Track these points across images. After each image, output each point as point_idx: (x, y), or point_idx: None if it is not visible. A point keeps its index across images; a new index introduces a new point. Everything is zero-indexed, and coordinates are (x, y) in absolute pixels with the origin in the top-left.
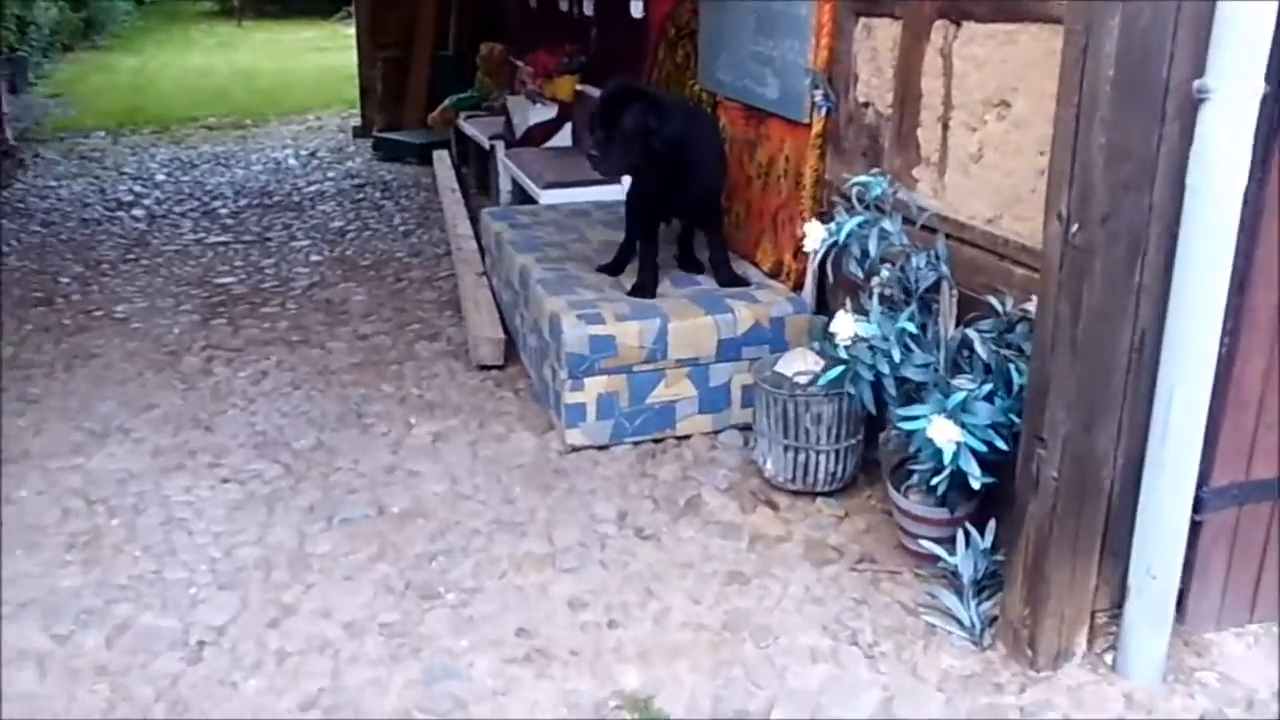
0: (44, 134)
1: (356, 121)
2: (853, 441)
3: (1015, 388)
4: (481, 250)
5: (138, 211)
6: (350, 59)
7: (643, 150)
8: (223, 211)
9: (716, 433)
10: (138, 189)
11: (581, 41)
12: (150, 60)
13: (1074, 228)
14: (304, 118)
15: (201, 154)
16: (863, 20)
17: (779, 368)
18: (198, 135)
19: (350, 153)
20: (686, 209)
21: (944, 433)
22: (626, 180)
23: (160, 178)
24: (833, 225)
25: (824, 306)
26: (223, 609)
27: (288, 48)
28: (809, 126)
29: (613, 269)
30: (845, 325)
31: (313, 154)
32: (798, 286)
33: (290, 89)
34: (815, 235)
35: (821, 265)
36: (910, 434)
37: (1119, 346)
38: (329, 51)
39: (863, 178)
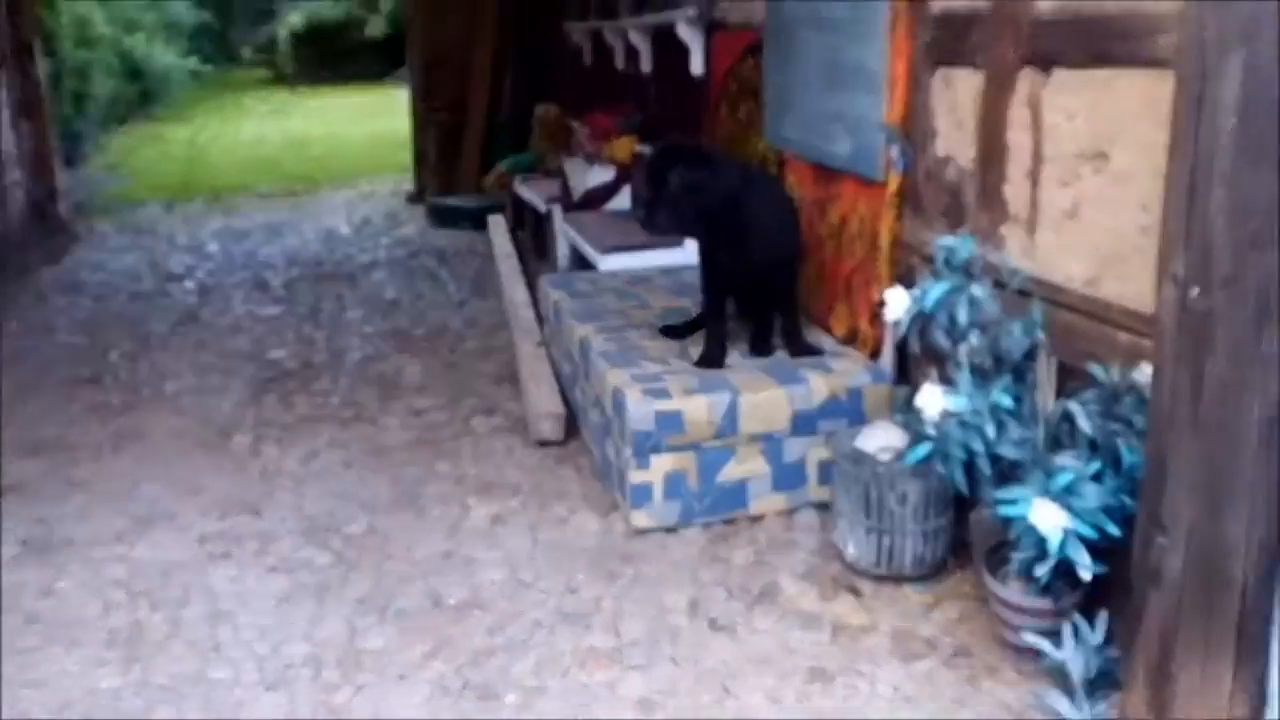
0: (98, 208)
1: (410, 187)
2: (942, 522)
3: (1125, 466)
4: (539, 319)
5: (189, 284)
6: (403, 123)
7: (693, 209)
8: (274, 282)
9: (792, 512)
10: (189, 260)
11: (639, 101)
12: (203, 130)
13: (1192, 291)
14: (356, 185)
15: (254, 224)
16: (941, 71)
17: (859, 443)
18: (250, 204)
19: (403, 219)
20: (754, 276)
21: (1049, 518)
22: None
23: (212, 248)
24: (917, 292)
25: (904, 375)
26: (269, 712)
27: (340, 113)
28: (884, 185)
29: (678, 332)
30: (933, 400)
31: (365, 221)
32: (875, 354)
33: (343, 155)
34: (898, 304)
35: (905, 331)
36: (1009, 519)
37: (1247, 422)
38: (381, 116)
39: (949, 240)
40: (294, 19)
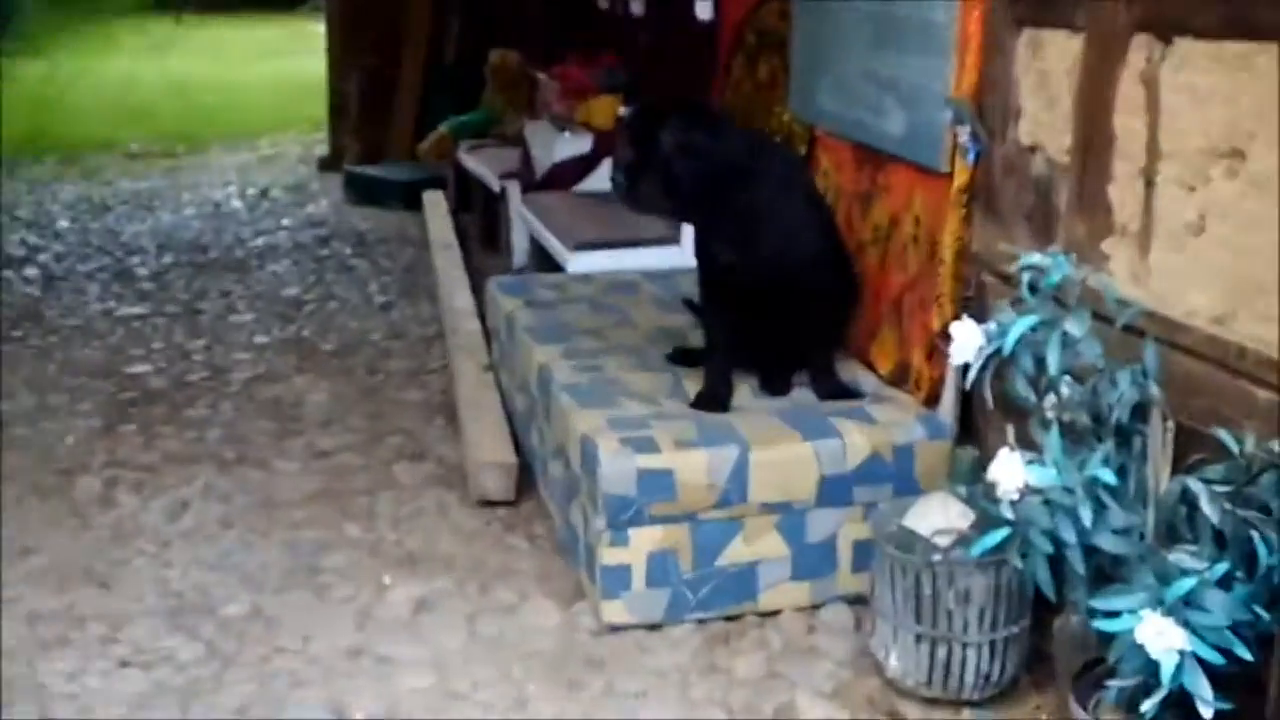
0: None
1: (323, 150)
2: (1014, 630)
3: (1261, 568)
4: (487, 334)
5: (30, 271)
6: (318, 67)
7: (689, 181)
8: (141, 272)
9: (816, 608)
10: (32, 240)
11: (626, 51)
12: (58, 68)
13: None
14: (254, 144)
15: (118, 193)
16: (1028, 32)
17: (909, 522)
18: (115, 167)
19: (314, 193)
20: (768, 285)
21: (1162, 637)
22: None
23: (63, 224)
24: (992, 326)
25: (969, 429)
26: None
27: (237, 51)
28: (949, 177)
29: (689, 358)
30: (1011, 471)
31: (264, 194)
32: (932, 399)
33: (238, 106)
34: (968, 342)
35: (976, 378)
36: (1107, 634)
37: None
38: (290, 57)
39: (1035, 257)
40: None
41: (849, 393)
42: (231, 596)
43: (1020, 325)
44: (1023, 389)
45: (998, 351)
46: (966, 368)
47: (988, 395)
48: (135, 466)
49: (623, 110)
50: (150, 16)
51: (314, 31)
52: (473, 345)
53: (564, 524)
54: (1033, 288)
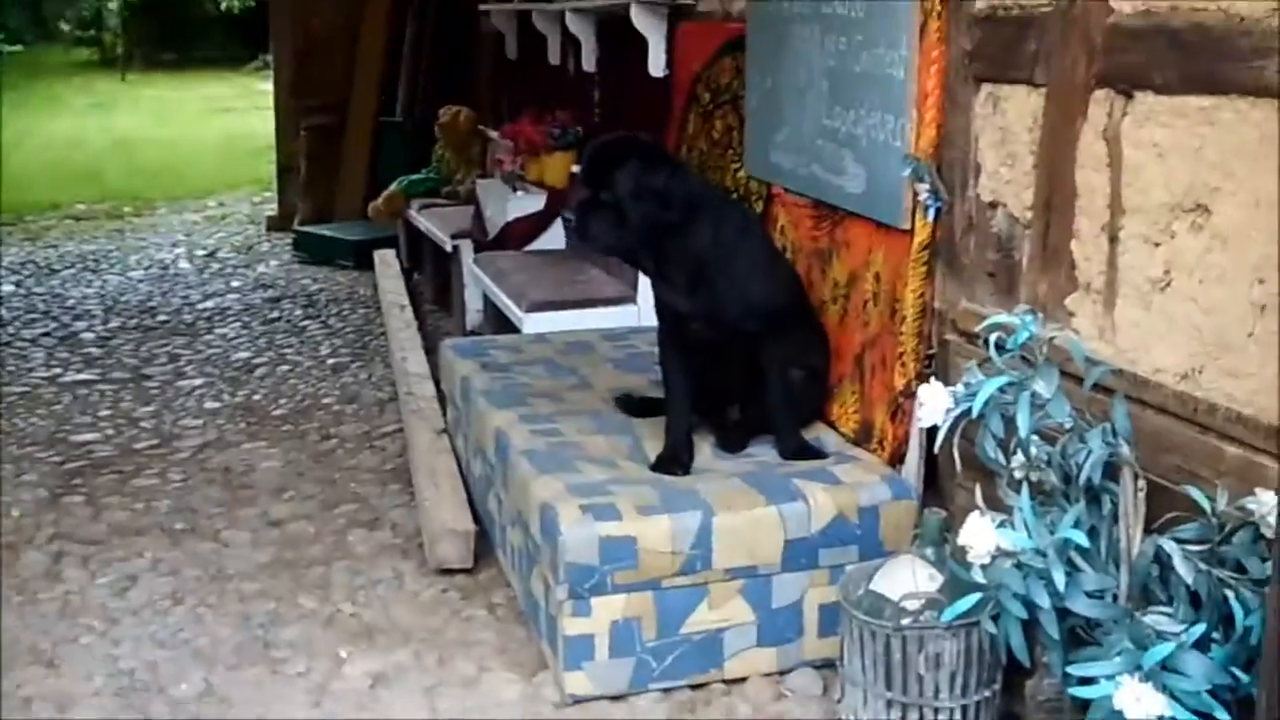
0: None
1: (272, 210)
2: (986, 694)
3: (1239, 628)
4: (442, 397)
5: None
6: (266, 125)
7: (644, 221)
8: (87, 337)
9: (784, 674)
10: None
11: (579, 108)
12: (5, 127)
13: None
14: (202, 204)
15: (64, 255)
16: (986, 89)
17: (877, 586)
18: (60, 229)
19: (263, 253)
20: (722, 331)
21: (1141, 704)
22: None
23: (7, 288)
24: (960, 388)
25: (934, 488)
26: None
27: (184, 109)
28: (909, 234)
29: (636, 407)
30: (982, 535)
31: (212, 255)
32: (896, 459)
33: (185, 165)
34: (936, 404)
35: (944, 441)
36: (1084, 700)
37: None
38: (238, 115)
39: (1002, 317)
40: None
41: (813, 453)
42: (182, 674)
43: (989, 387)
44: (991, 450)
45: (966, 412)
46: (934, 429)
47: (956, 458)
48: (82, 539)
49: (577, 169)
50: (95, 73)
51: (262, 89)
52: (427, 409)
53: (524, 593)
54: (1000, 347)
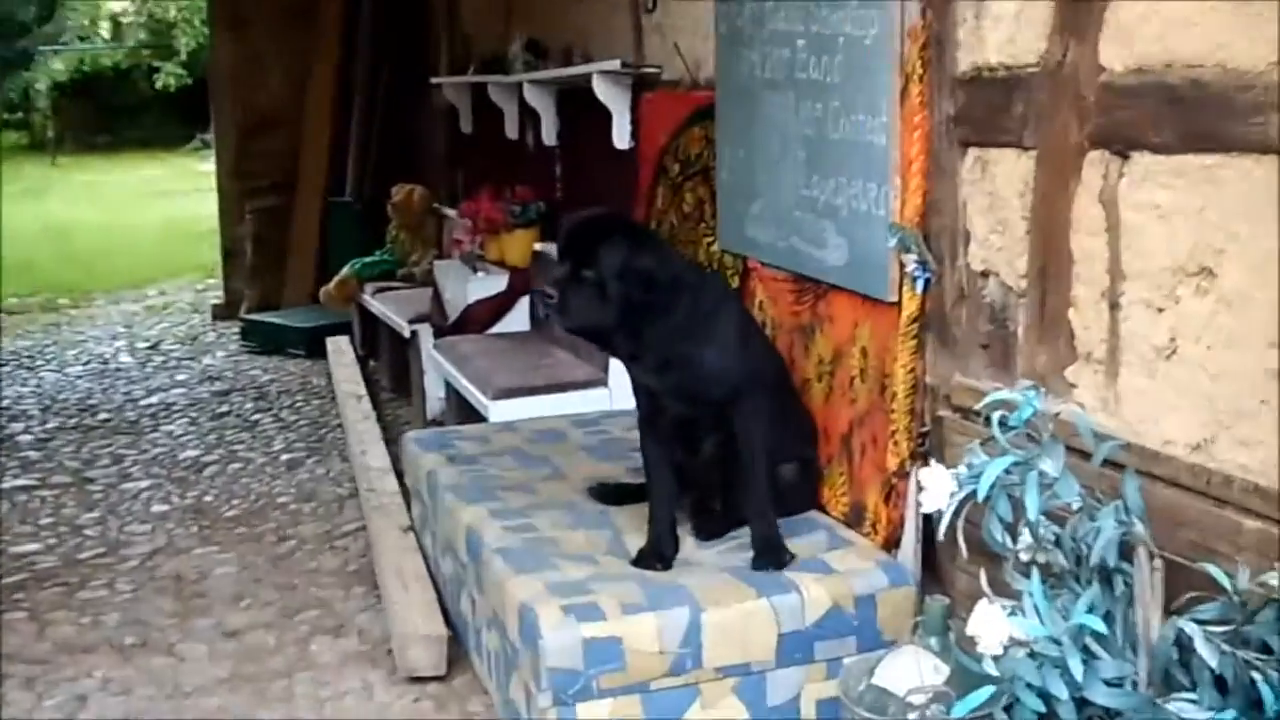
0: None
1: (217, 298)
2: None
3: (1269, 711)
4: (406, 493)
5: None
6: (207, 208)
7: (623, 301)
8: (24, 439)
9: None
10: None
11: (540, 182)
12: None
13: None
14: (142, 294)
15: None
16: (974, 153)
17: (880, 680)
18: None
19: (209, 344)
20: (698, 400)
21: None
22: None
23: None
24: (963, 470)
25: (932, 571)
26: None
27: (120, 193)
28: (897, 306)
29: (612, 496)
30: (993, 623)
31: (155, 347)
32: (891, 543)
33: (123, 252)
34: (938, 489)
35: (948, 527)
36: None
37: None
38: (177, 197)
39: (1004, 393)
40: (56, 65)
41: (777, 553)
42: None
43: (994, 468)
44: (998, 534)
45: (970, 496)
46: (939, 513)
47: (961, 543)
48: (27, 659)
49: (539, 247)
50: (24, 157)
51: (201, 170)
52: (391, 505)
53: (503, 701)
54: (1003, 424)
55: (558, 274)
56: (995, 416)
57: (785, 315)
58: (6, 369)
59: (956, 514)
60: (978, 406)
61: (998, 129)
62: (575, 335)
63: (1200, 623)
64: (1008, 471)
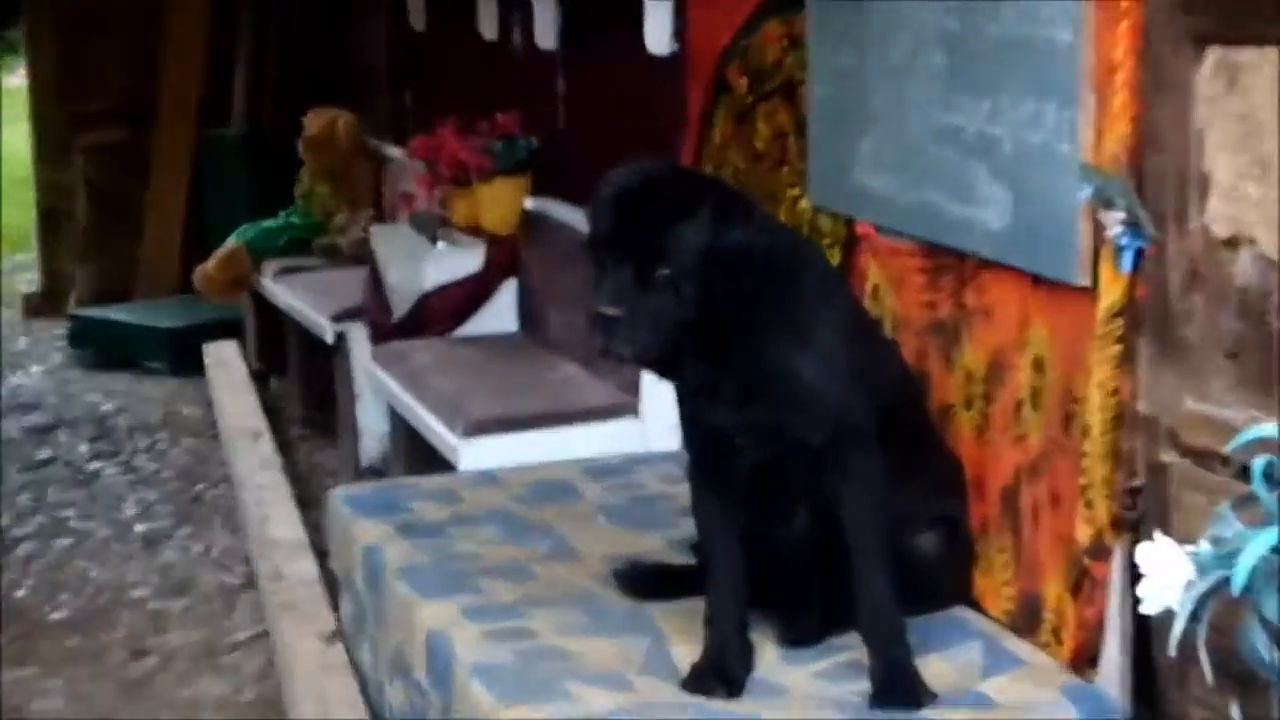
0: None
1: (31, 283)
2: None
3: None
4: (330, 581)
5: None
6: (19, 147)
7: (704, 306)
8: None
9: None
10: None
11: (533, 106)
12: None
13: None
14: None
15: None
16: (1215, 55)
17: None
18: None
19: (19, 353)
20: (790, 445)
21: None
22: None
23: None
24: (1203, 546)
25: (1148, 701)
26: None
27: None
28: (1091, 294)
29: (648, 584)
30: None
31: None
32: (1082, 659)
33: None
34: (1165, 576)
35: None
36: None
37: None
38: None
39: (1265, 428)
40: None
41: (908, 688)
42: None
43: (1258, 545)
44: (1261, 646)
45: (1217, 587)
46: (1169, 613)
47: (1205, 662)
48: None
49: (531, 204)
50: None
51: (8, 88)
52: (306, 601)
53: None
54: (1268, 476)
55: (619, 280)
56: (1256, 465)
57: (913, 308)
58: None
59: (1195, 617)
60: (1225, 449)
61: (1254, 15)
62: (646, 367)
63: None
64: (1276, 550)
